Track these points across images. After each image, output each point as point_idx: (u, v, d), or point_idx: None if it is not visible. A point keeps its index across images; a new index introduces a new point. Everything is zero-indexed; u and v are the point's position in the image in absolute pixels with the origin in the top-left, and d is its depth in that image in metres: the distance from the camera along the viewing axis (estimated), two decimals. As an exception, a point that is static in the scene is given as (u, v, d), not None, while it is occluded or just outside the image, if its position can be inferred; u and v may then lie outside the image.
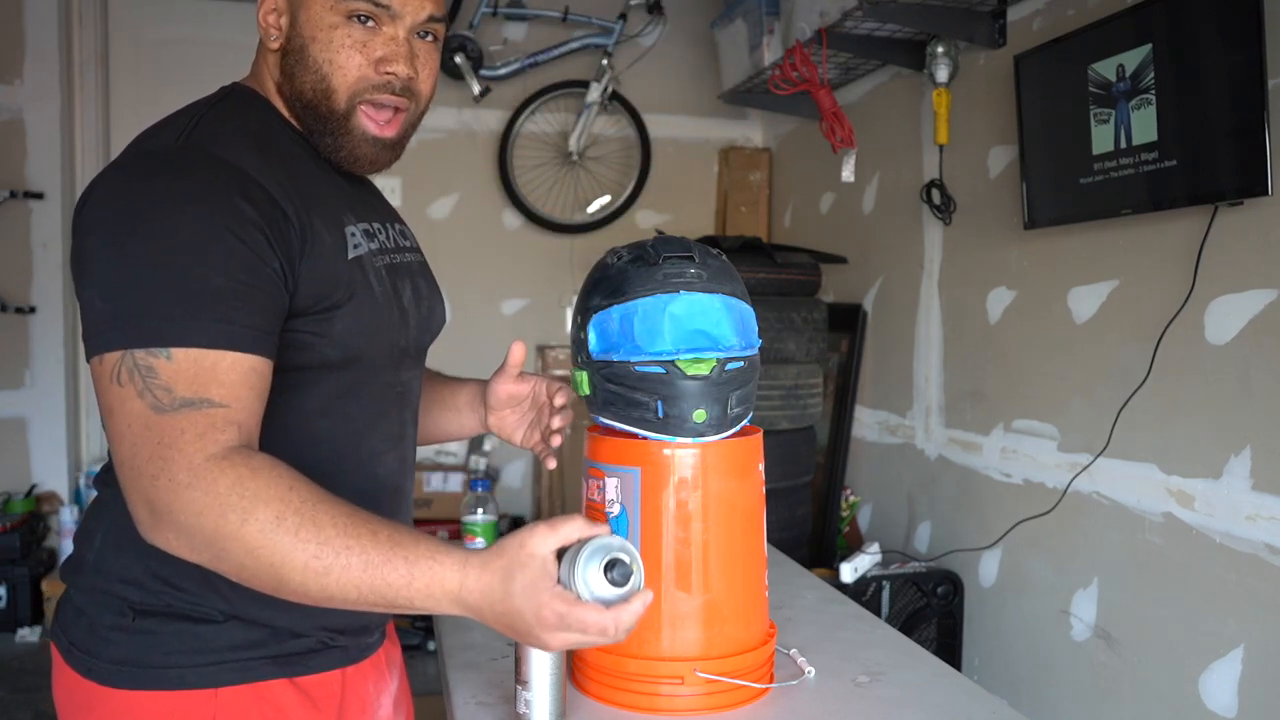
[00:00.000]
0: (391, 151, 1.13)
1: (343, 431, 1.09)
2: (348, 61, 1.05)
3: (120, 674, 1.01)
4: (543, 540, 0.89)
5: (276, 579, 0.87)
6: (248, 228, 0.94)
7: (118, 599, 1.03)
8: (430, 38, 1.12)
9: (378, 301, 1.08)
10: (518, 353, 1.29)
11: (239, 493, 0.86)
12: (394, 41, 1.07)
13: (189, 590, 1.02)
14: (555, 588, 0.88)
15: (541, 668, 1.21)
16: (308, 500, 0.88)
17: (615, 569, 0.91)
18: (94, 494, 1.12)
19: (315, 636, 1.08)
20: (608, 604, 0.90)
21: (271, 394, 0.99)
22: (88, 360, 0.94)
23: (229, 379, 0.91)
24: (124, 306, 0.91)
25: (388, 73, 1.07)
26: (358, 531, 0.88)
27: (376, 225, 1.15)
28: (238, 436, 0.91)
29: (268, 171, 1.00)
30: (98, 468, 3.67)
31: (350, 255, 1.05)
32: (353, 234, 1.08)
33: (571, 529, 0.91)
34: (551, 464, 1.34)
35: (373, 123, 1.09)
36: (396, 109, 1.10)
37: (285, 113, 1.12)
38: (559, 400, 1.34)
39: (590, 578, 0.90)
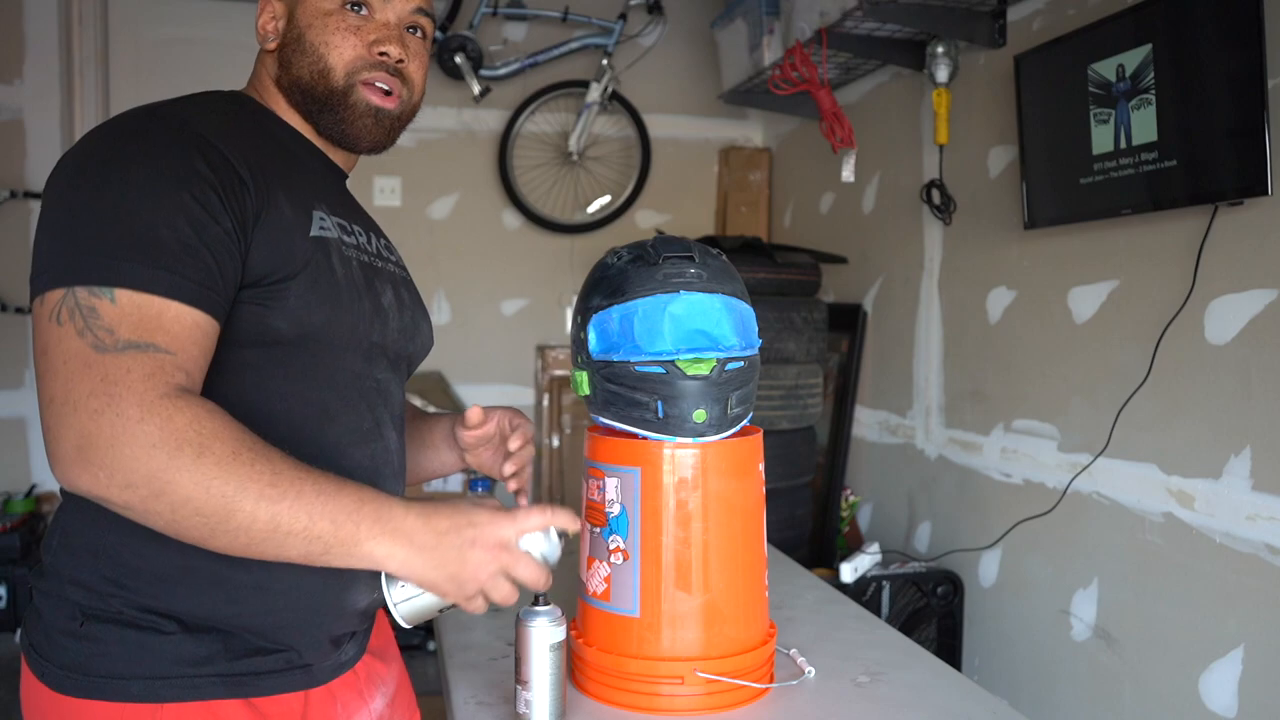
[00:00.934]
0: (392, 128, 1.18)
1: (302, 415, 1.06)
2: (343, 42, 1.12)
3: (69, 681, 0.99)
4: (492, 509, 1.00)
5: (225, 510, 0.87)
6: (200, 184, 0.96)
7: (69, 602, 1.01)
8: (419, 33, 1.19)
9: (339, 283, 1.06)
10: (473, 418, 1.26)
11: (196, 429, 0.87)
12: (386, 26, 1.15)
13: (139, 592, 0.99)
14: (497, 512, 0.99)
15: (541, 668, 1.21)
16: (262, 442, 0.91)
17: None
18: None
19: (276, 654, 1.04)
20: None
21: (229, 369, 1.00)
22: (29, 304, 0.94)
23: (174, 329, 0.91)
24: (69, 247, 0.92)
25: (381, 53, 1.14)
26: (310, 468, 0.92)
27: (356, 228, 1.16)
28: (186, 381, 0.91)
29: (231, 139, 1.02)
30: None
31: (312, 233, 1.05)
32: (321, 217, 1.08)
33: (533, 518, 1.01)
34: (523, 501, 1.31)
35: (374, 94, 1.15)
36: (390, 90, 1.16)
37: (281, 109, 1.16)
38: (513, 443, 1.32)
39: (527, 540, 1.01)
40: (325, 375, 1.07)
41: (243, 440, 0.90)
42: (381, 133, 1.17)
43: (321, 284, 1.04)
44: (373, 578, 1.09)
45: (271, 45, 1.15)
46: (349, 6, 1.13)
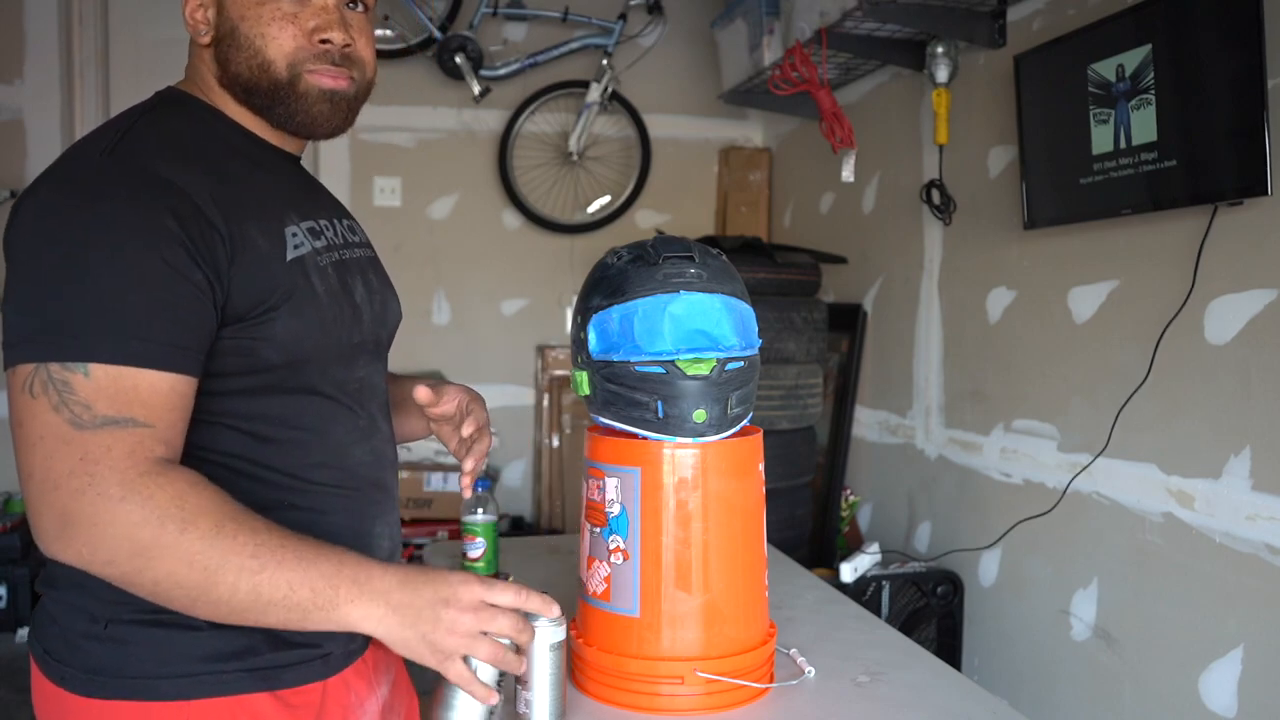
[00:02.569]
0: (346, 109, 1.12)
1: (299, 429, 1.07)
2: (280, 33, 1.05)
3: (93, 683, 0.99)
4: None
5: (208, 583, 0.88)
6: (168, 242, 0.93)
7: (89, 607, 1.00)
8: (360, 7, 1.12)
9: (320, 301, 1.06)
10: (421, 397, 1.24)
11: (179, 505, 0.88)
12: (324, 11, 1.07)
13: None
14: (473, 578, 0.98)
15: (542, 668, 1.21)
16: (244, 511, 0.92)
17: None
18: None
19: (300, 648, 1.05)
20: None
21: (223, 400, 1.00)
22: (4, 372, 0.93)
23: (151, 399, 0.91)
24: (37, 320, 0.90)
25: (323, 41, 1.07)
26: (285, 535, 0.92)
27: (323, 222, 1.13)
28: (166, 452, 0.92)
29: (195, 181, 0.98)
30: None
31: (289, 257, 1.04)
32: (294, 234, 1.06)
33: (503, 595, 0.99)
34: (467, 493, 1.33)
35: (324, 78, 1.08)
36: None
37: (229, 108, 1.10)
38: (465, 429, 1.30)
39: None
40: (317, 389, 1.08)
41: (225, 512, 0.90)
42: (340, 117, 1.11)
43: (305, 308, 1.04)
44: (386, 560, 1.12)
45: (205, 39, 1.08)
46: None
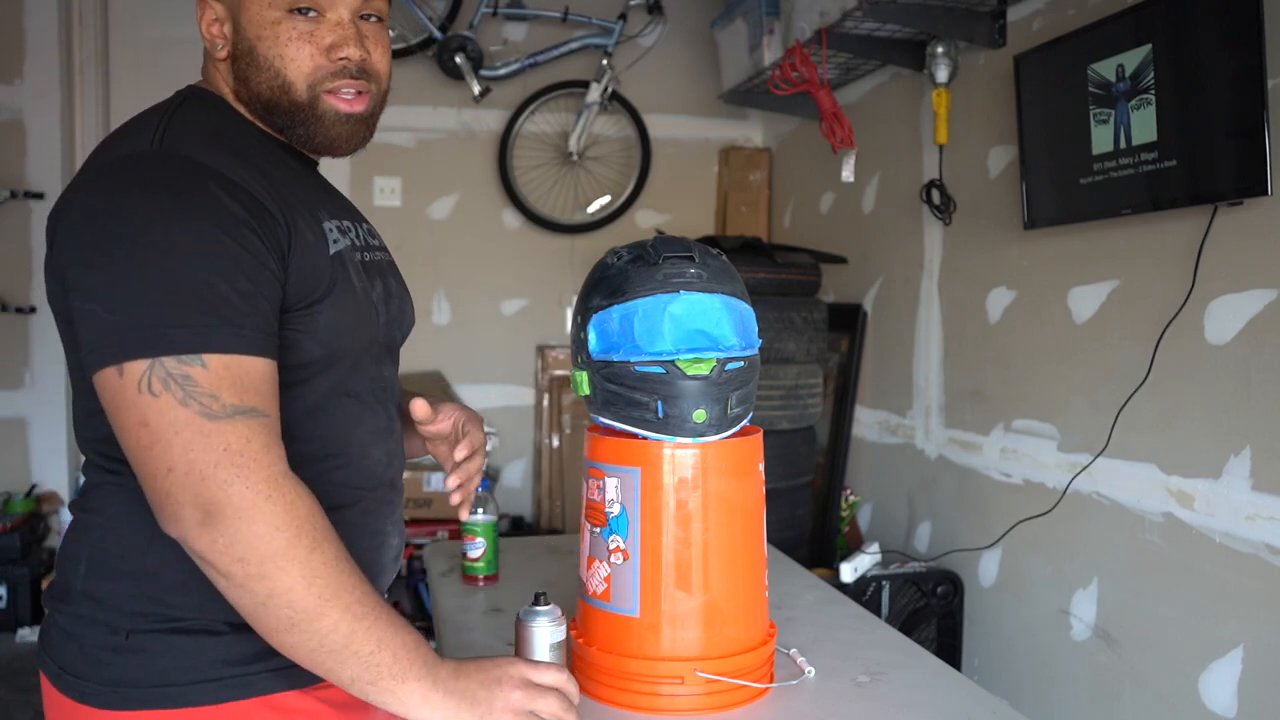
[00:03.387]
0: (365, 127, 1.13)
1: (333, 427, 1.08)
2: (298, 53, 1.06)
3: (116, 695, 0.98)
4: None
5: (316, 611, 0.90)
6: (242, 230, 0.94)
7: (109, 621, 1.00)
8: (374, 19, 1.13)
9: (358, 296, 1.07)
10: (418, 412, 1.23)
11: (313, 522, 0.91)
12: (340, 26, 1.07)
13: (183, 607, 0.99)
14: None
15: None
16: (350, 558, 0.95)
17: None
18: (74, 516, 1.09)
19: None
20: None
21: None
22: (90, 372, 0.91)
23: (261, 386, 0.92)
24: (139, 316, 0.89)
25: (341, 59, 1.07)
26: (380, 599, 0.97)
27: (347, 223, 1.14)
28: (283, 449, 0.94)
29: (244, 173, 0.99)
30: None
31: (331, 250, 1.05)
32: (330, 230, 1.07)
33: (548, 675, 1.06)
34: (463, 515, 1.35)
35: (341, 101, 1.09)
36: (359, 91, 1.10)
37: (247, 115, 1.11)
38: (459, 452, 1.29)
39: None
40: (349, 386, 1.09)
41: (342, 548, 0.94)
42: (360, 136, 1.13)
43: (345, 301, 1.05)
44: (394, 560, 1.16)
45: (222, 54, 1.09)
46: (296, 11, 1.05)
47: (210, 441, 0.88)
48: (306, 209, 1.05)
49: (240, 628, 0.98)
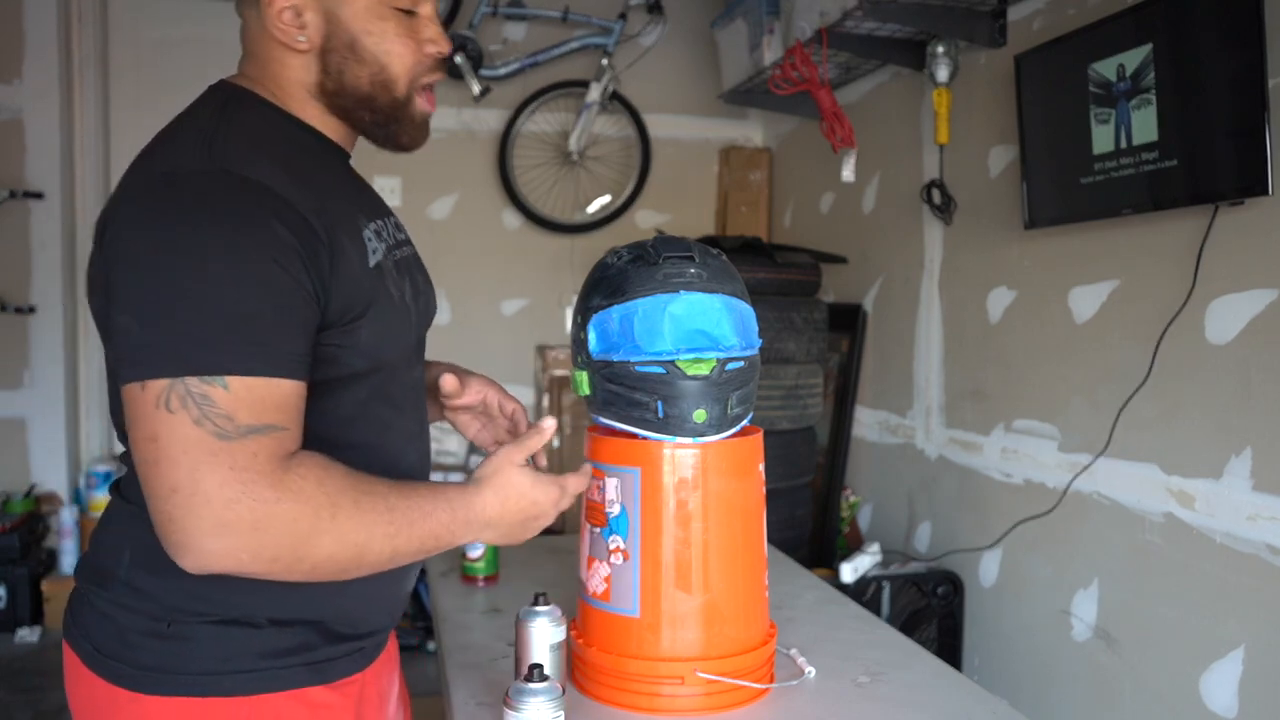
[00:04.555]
0: (429, 127, 1.18)
1: (370, 433, 1.10)
2: (404, 49, 1.08)
3: (150, 680, 1.00)
4: (508, 455, 1.12)
5: (358, 557, 0.95)
6: (285, 252, 0.95)
7: (151, 610, 1.02)
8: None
9: (396, 306, 1.09)
10: (448, 387, 1.29)
11: (323, 490, 0.93)
12: (431, 22, 1.11)
13: (227, 603, 1.01)
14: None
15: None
16: (362, 479, 0.98)
17: None
18: (110, 499, 1.11)
19: (351, 640, 1.10)
20: None
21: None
22: (119, 384, 0.92)
23: (284, 405, 0.94)
24: (168, 334, 0.90)
25: (437, 53, 1.11)
26: (404, 492, 1.00)
27: (379, 222, 1.14)
28: (295, 446, 0.96)
29: (294, 188, 0.99)
30: (101, 468, 3.69)
31: (371, 263, 1.06)
32: (369, 239, 1.08)
33: (533, 441, 1.15)
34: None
35: (427, 102, 1.14)
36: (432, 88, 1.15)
37: (304, 110, 1.09)
38: (521, 425, 1.33)
39: None
40: (386, 393, 1.11)
41: (354, 484, 0.96)
42: (426, 136, 1.16)
43: (386, 313, 1.06)
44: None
45: (303, 46, 1.06)
46: (400, 10, 1.07)
47: (217, 461, 0.89)
48: (348, 219, 1.05)
49: (280, 622, 1.02)
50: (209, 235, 0.92)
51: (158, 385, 0.89)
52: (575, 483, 1.18)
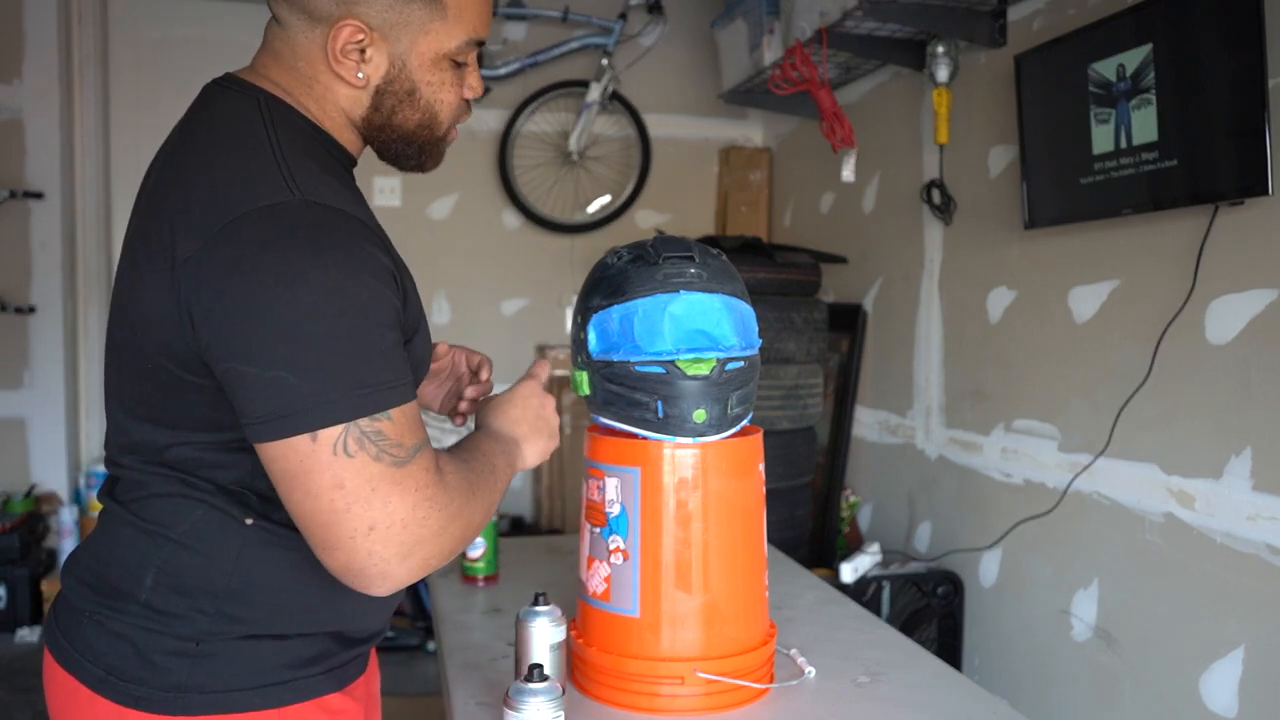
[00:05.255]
0: None
1: None
2: (454, 98, 1.13)
3: (177, 701, 0.98)
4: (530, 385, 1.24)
5: (485, 519, 1.05)
6: (390, 280, 0.98)
7: (176, 630, 1.00)
8: None
9: (425, 322, 1.11)
10: (441, 351, 1.33)
11: (462, 477, 1.02)
12: (475, 70, 1.14)
13: (254, 622, 1.01)
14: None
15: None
16: (458, 455, 1.07)
17: None
18: (109, 513, 1.06)
19: (362, 643, 1.12)
20: None
21: None
22: (270, 438, 0.90)
23: (420, 417, 0.99)
24: (332, 381, 0.90)
25: (473, 96, 1.15)
26: (473, 452, 1.10)
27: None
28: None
29: (361, 210, 1.01)
30: (100, 468, 3.68)
31: (416, 285, 1.09)
32: (398, 258, 1.07)
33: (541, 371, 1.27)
34: (459, 422, 1.38)
35: (455, 135, 1.17)
36: None
37: (339, 130, 1.09)
38: (484, 374, 1.35)
39: None
40: None
41: (463, 461, 1.05)
42: (442, 159, 1.20)
43: (423, 331, 1.09)
44: None
45: (359, 83, 1.05)
46: (460, 65, 1.11)
47: (404, 488, 0.93)
48: (385, 237, 1.07)
49: (304, 633, 1.03)
50: (334, 272, 0.91)
51: (331, 434, 0.90)
52: (536, 369, 1.27)
